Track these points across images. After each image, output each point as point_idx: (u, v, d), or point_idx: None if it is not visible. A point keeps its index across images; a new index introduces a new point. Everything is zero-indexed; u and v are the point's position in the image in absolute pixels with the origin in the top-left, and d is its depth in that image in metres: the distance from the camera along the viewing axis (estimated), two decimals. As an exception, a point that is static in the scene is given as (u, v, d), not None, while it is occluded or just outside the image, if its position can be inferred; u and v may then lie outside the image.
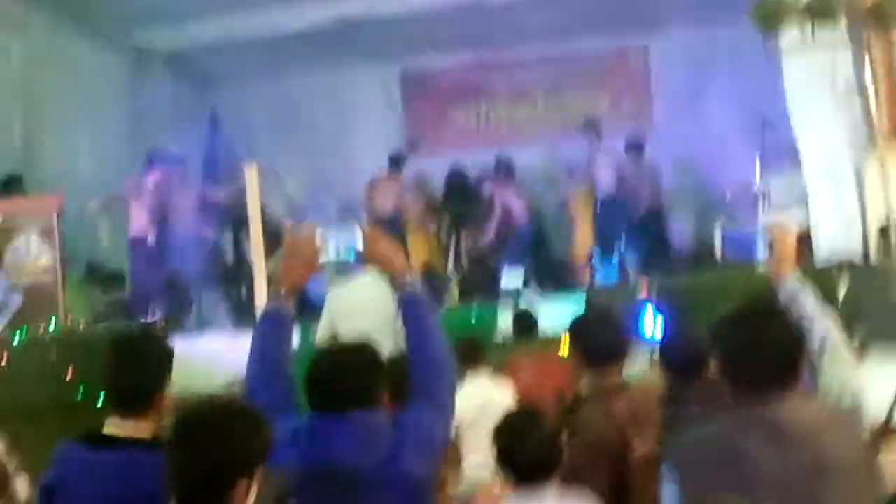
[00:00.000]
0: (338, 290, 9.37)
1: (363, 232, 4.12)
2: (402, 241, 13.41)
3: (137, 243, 13.08)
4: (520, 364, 9.05)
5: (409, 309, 4.08)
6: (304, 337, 9.64)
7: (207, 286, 13.75)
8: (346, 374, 3.91)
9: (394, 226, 13.80)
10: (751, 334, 3.62)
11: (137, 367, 3.93)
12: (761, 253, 3.82)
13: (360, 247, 4.08)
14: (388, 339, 8.72)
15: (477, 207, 15.42)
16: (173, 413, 3.69)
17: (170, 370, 3.99)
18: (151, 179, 13.21)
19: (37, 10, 12.99)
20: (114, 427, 3.91)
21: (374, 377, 3.95)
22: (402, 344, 4.16)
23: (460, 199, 15.70)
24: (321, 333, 9.42)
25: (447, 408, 4.07)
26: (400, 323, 4.14)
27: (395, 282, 4.12)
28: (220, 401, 3.38)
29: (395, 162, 15.34)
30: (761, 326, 3.64)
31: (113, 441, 3.85)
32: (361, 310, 8.87)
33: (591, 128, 14.68)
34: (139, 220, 13.07)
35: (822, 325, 4.09)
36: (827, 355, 4.01)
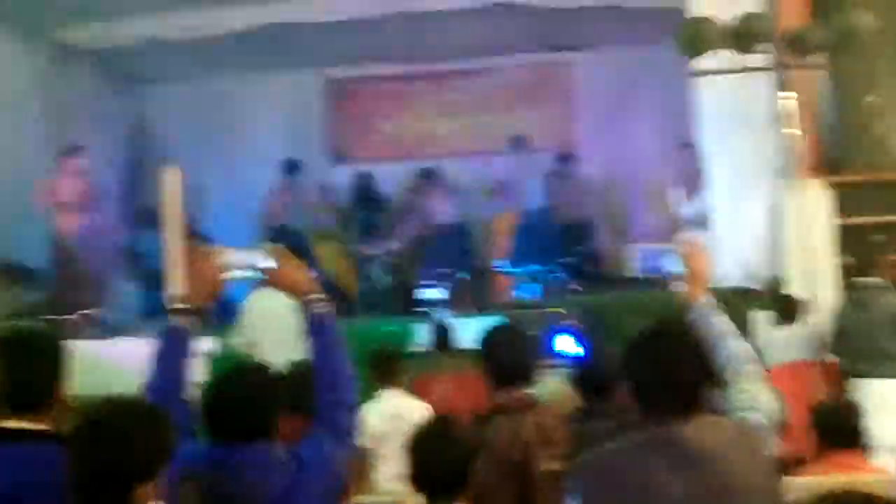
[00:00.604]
0: (255, 296, 9.36)
1: (268, 252, 4.11)
2: (307, 253, 13.35)
3: (59, 240, 12.97)
4: (435, 379, 9.06)
5: (315, 329, 4.07)
6: (222, 344, 9.63)
7: (128, 288, 13.65)
8: (241, 405, 3.86)
9: (296, 238, 13.78)
10: (656, 356, 3.65)
11: (29, 364, 3.83)
12: (675, 269, 3.86)
13: (265, 266, 4.07)
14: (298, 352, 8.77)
15: (386, 216, 15.42)
16: (77, 411, 3.64)
17: (64, 368, 3.89)
18: (72, 173, 13.13)
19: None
20: (8, 423, 3.85)
21: (271, 407, 3.91)
22: None
23: (367, 207, 15.70)
24: (238, 340, 9.42)
25: (348, 435, 4.06)
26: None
27: (301, 302, 4.11)
28: (124, 400, 3.35)
29: (290, 168, 15.32)
30: (666, 348, 3.66)
31: (4, 434, 3.79)
32: (278, 316, 8.84)
33: (519, 144, 14.75)
34: (61, 218, 12.97)
35: (732, 344, 4.13)
36: (736, 374, 4.05)
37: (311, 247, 13.92)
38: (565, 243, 14.47)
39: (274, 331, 8.53)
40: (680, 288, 4.27)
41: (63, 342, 3.96)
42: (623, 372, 3.82)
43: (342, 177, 16.50)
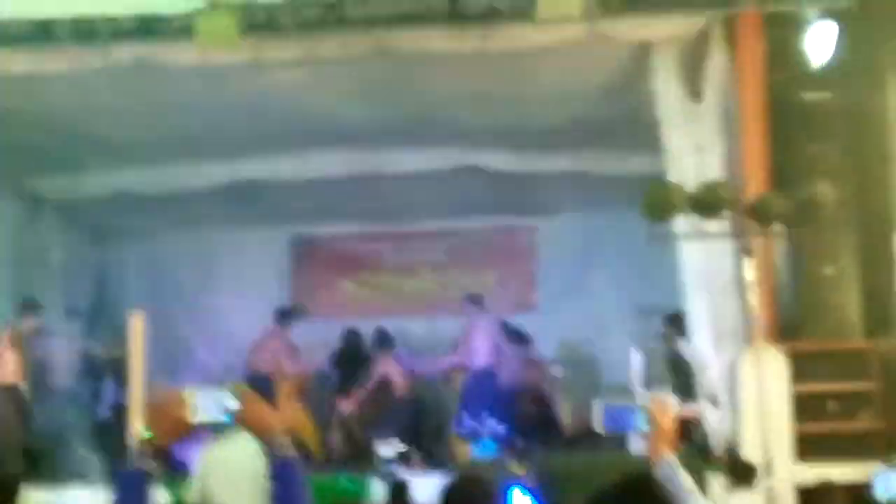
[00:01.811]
0: (209, 450, 9.27)
1: (236, 395, 4.13)
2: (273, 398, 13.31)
3: (6, 391, 12.88)
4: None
5: (280, 475, 4.07)
6: (175, 496, 9.52)
7: (78, 439, 13.51)
8: None
9: (269, 385, 13.74)
10: None
11: None
12: (641, 427, 3.86)
13: (232, 408, 4.09)
14: (256, 500, 8.75)
15: (363, 374, 15.44)
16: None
17: None
18: (27, 327, 13.14)
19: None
20: None
21: None
22: None
23: (352, 362, 15.72)
24: (193, 494, 9.32)
25: None
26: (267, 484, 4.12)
27: (267, 444, 4.11)
28: None
29: (282, 317, 15.35)
30: (637, 502, 3.63)
31: None
32: (231, 469, 8.79)
33: (473, 302, 14.83)
34: (9, 367, 12.93)
35: (694, 501, 4.14)
36: None
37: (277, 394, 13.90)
38: (523, 406, 14.50)
39: (230, 483, 8.46)
40: (643, 445, 4.30)
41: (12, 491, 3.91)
42: None
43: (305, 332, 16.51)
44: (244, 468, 8.66)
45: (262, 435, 3.94)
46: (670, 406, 4.50)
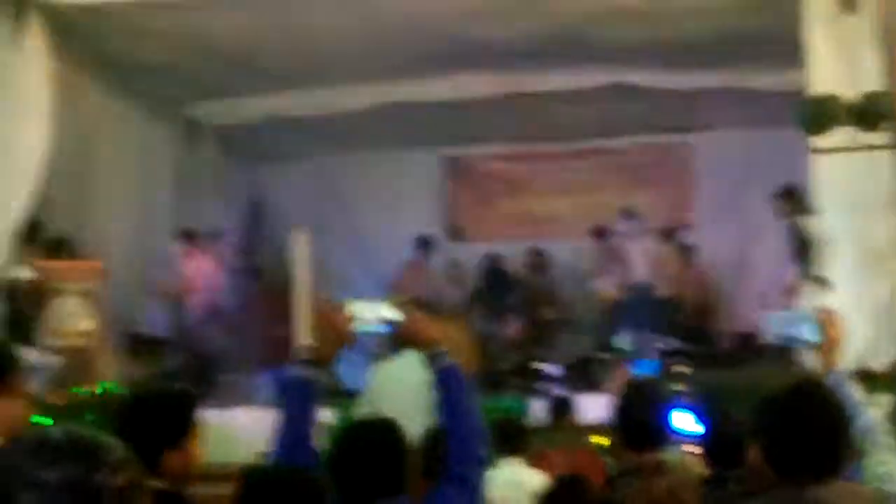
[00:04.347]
0: (379, 368, 9.37)
1: (396, 305, 4.13)
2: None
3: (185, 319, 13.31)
4: (554, 453, 9.02)
5: (445, 382, 4.05)
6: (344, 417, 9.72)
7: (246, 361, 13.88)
8: (368, 462, 3.84)
9: (424, 306, 13.89)
10: (797, 416, 3.52)
11: (145, 424, 3.82)
12: (809, 336, 3.81)
13: (394, 318, 4.08)
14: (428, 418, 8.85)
15: (513, 296, 15.52)
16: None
17: (187, 431, 3.90)
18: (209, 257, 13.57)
19: (93, 78, 13.20)
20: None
21: (398, 464, 3.88)
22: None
23: (496, 287, 15.81)
24: (362, 412, 9.44)
25: (475, 490, 4.04)
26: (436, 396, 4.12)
27: (430, 355, 4.10)
28: (286, 471, 3.40)
29: (423, 244, 15.49)
30: (807, 408, 3.55)
31: None
32: (403, 387, 8.87)
33: (629, 217, 14.75)
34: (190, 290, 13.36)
35: (867, 414, 4.09)
36: (872, 444, 4.00)
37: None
38: (685, 319, 14.44)
39: (401, 402, 8.55)
40: (815, 354, 4.25)
41: (190, 406, 3.98)
42: (755, 433, 3.67)
43: (462, 254, 16.62)
44: (415, 385, 8.80)
45: (425, 347, 3.95)
46: (839, 314, 4.44)
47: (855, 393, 4.15)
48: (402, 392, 8.47)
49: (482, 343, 14.68)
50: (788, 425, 3.52)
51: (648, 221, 15.35)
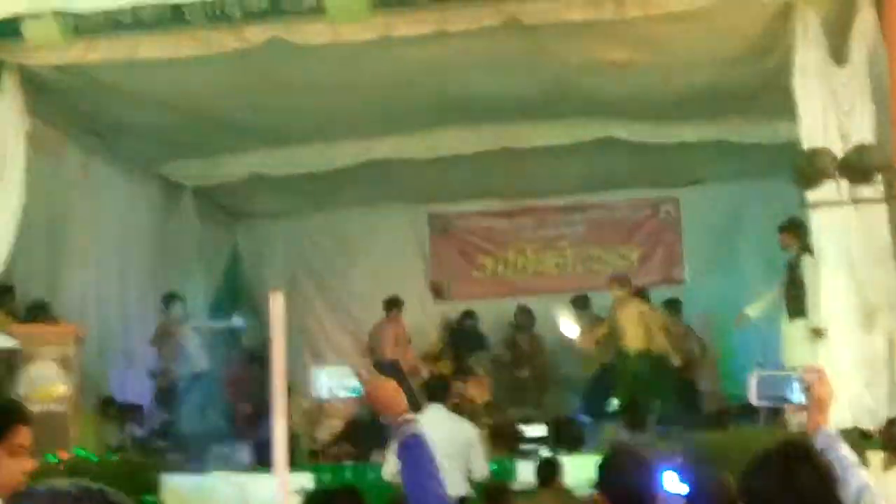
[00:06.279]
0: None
1: (361, 376, 4.02)
2: (404, 384, 13.30)
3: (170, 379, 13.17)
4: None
5: (408, 450, 3.93)
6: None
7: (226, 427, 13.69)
8: None
9: (392, 370, 13.83)
10: (785, 479, 3.53)
11: None
12: (796, 397, 3.68)
13: (357, 386, 3.99)
14: (458, 473, 8.80)
15: (483, 355, 15.49)
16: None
17: None
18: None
19: (72, 136, 13.07)
20: None
21: None
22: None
23: (465, 346, 15.74)
24: (389, 468, 9.31)
25: None
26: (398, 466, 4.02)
27: (393, 422, 3.97)
28: None
29: (389, 305, 15.33)
30: (796, 471, 3.56)
31: None
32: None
33: (620, 284, 14.54)
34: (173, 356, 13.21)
35: (862, 474, 3.97)
36: None
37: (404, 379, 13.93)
38: (675, 381, 14.23)
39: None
40: (801, 416, 4.10)
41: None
42: (745, 495, 3.69)
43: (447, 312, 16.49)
44: (444, 438, 8.74)
45: (387, 413, 3.81)
46: (827, 375, 4.26)
47: (848, 453, 3.97)
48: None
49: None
50: (775, 488, 3.55)
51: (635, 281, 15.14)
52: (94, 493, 2.31)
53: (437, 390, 10.13)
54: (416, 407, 10.48)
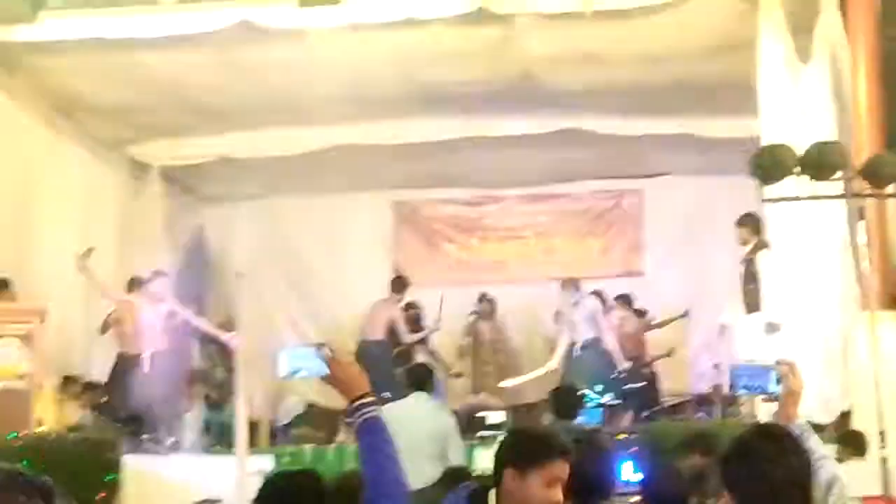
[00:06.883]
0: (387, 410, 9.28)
1: (327, 356, 3.99)
2: (384, 366, 13.36)
3: (129, 359, 13.05)
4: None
5: (367, 432, 3.94)
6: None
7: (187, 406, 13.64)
8: None
9: (379, 350, 13.92)
10: (763, 465, 3.58)
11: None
12: (773, 388, 3.76)
13: (321, 366, 3.97)
14: (434, 461, 8.92)
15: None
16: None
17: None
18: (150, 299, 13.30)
19: (37, 116, 13.02)
20: None
21: None
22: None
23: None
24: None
25: None
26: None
27: (353, 403, 3.98)
28: None
29: (396, 285, 15.31)
30: (774, 457, 3.62)
31: None
32: (406, 430, 8.82)
33: (570, 286, 14.56)
34: (133, 336, 13.09)
35: (830, 465, 4.04)
36: (837, 498, 3.94)
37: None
38: (629, 374, 14.29)
39: (405, 442, 8.47)
40: (769, 409, 4.17)
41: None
42: (728, 481, 3.72)
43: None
44: (417, 427, 8.85)
45: (348, 395, 3.81)
46: (799, 365, 4.33)
47: (816, 445, 4.05)
48: (406, 433, 8.40)
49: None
50: (753, 474, 3.60)
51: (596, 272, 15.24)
52: (20, 476, 2.25)
53: (420, 378, 10.19)
54: (396, 392, 10.62)
